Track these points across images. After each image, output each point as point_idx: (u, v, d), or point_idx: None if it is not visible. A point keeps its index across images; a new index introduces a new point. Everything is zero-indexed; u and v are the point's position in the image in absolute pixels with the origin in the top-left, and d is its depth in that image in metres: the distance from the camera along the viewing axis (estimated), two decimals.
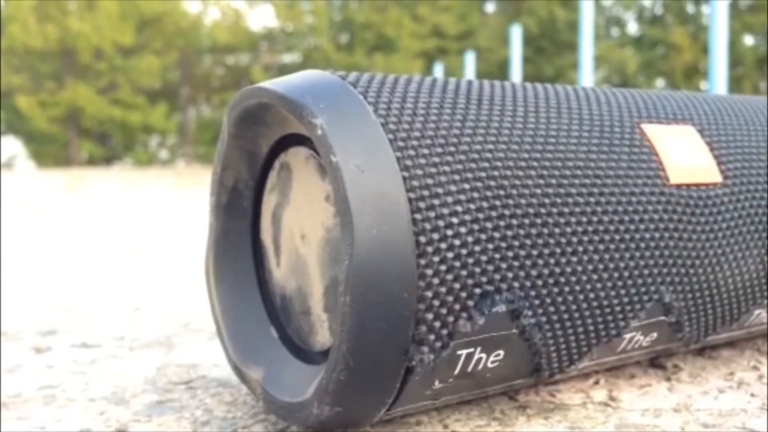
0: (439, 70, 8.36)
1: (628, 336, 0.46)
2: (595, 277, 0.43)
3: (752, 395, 0.50)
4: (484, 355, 0.40)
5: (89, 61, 11.78)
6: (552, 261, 0.41)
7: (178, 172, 7.80)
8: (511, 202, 0.40)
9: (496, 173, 0.40)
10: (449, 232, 0.38)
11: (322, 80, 0.41)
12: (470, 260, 0.38)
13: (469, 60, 6.72)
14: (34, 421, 0.47)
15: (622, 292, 0.44)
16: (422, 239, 0.37)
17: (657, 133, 0.48)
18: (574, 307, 0.42)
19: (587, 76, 3.93)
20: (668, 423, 0.45)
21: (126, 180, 5.72)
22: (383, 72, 0.46)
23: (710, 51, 2.96)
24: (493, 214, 0.39)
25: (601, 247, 0.43)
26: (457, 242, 0.38)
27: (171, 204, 3.06)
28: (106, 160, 12.67)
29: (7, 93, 11.15)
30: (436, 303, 0.37)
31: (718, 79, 2.90)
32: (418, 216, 0.37)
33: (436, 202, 0.38)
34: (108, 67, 11.88)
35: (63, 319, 0.80)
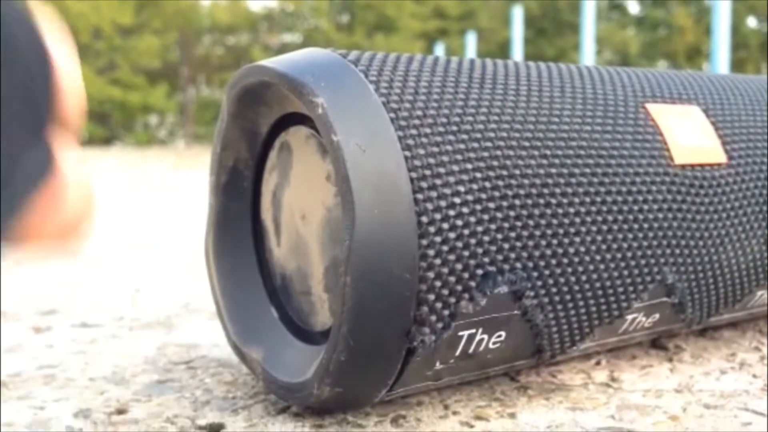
0: (440, 51, 8.32)
1: (630, 317, 0.46)
2: (597, 257, 0.42)
3: (754, 376, 0.50)
4: (485, 336, 0.40)
5: (88, 41, 11.73)
6: (555, 242, 0.41)
7: (178, 153, 7.79)
8: (513, 182, 0.40)
9: (498, 153, 0.40)
10: (451, 212, 0.37)
11: (323, 58, 0.41)
12: (472, 240, 0.38)
13: (470, 41, 6.69)
14: (34, 400, 0.47)
15: (625, 272, 0.44)
16: (424, 219, 0.37)
17: (662, 113, 0.48)
18: (576, 288, 0.42)
19: (589, 57, 3.91)
20: (670, 404, 0.45)
21: (126, 160, 5.71)
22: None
23: (713, 32, 2.94)
24: (496, 194, 0.39)
25: (604, 227, 0.43)
26: (459, 222, 0.37)
27: (171, 184, 3.05)
28: (105, 140, 12.65)
29: None
30: (438, 283, 0.37)
31: (721, 61, 2.88)
32: (419, 196, 0.37)
33: (438, 181, 0.37)
34: (107, 47, 11.84)
35: (63, 299, 0.80)
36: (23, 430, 0.42)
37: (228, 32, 12.73)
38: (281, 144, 0.46)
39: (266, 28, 12.78)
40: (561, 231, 0.41)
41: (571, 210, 0.41)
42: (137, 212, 1.86)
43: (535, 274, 0.40)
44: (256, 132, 0.47)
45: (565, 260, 0.41)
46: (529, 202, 0.40)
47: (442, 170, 0.38)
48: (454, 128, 0.39)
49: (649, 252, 0.45)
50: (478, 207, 0.38)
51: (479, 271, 0.38)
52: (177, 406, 0.46)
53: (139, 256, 1.13)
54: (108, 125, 13.00)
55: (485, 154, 0.39)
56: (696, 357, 0.55)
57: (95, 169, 4.31)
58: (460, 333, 0.39)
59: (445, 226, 0.37)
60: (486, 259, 0.38)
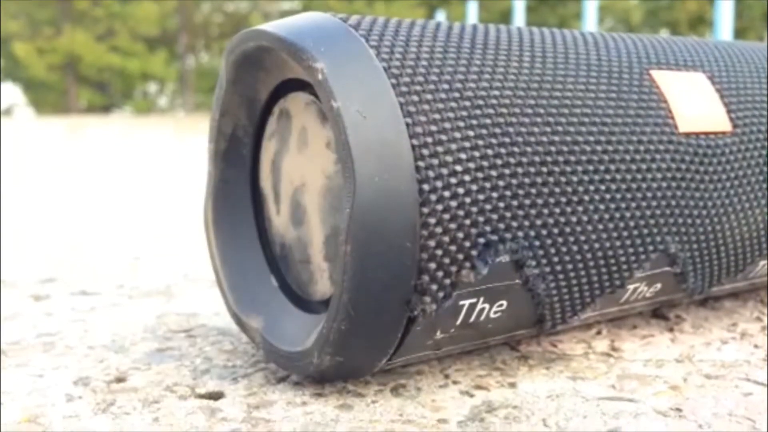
0: (440, 19, 8.23)
1: (631, 287, 0.45)
2: (600, 227, 0.42)
3: (755, 346, 0.50)
4: (486, 306, 0.40)
5: (86, 7, 11.63)
6: (557, 210, 0.40)
7: (178, 121, 7.76)
8: (516, 149, 0.39)
9: (501, 120, 0.39)
10: (453, 180, 0.37)
11: (323, 23, 0.40)
12: (474, 209, 0.37)
13: (472, 8, 6.63)
14: (33, 368, 0.47)
15: (628, 242, 0.43)
16: (425, 187, 0.36)
17: (666, 80, 0.47)
18: (578, 257, 0.42)
19: (591, 25, 3.88)
20: (670, 373, 0.45)
21: (125, 128, 5.69)
22: None
23: (716, 1, 2.91)
24: (498, 162, 0.38)
25: (608, 196, 0.42)
26: (460, 190, 0.37)
27: (170, 152, 3.05)
28: (104, 108, 12.59)
29: (5, 39, 11.03)
30: (439, 252, 0.37)
31: (724, 30, 2.86)
32: (421, 163, 0.36)
33: (439, 149, 0.37)
34: (106, 13, 11.74)
35: (62, 267, 0.80)
36: (22, 398, 0.42)
37: None
38: (281, 110, 0.45)
39: None
40: (563, 200, 0.41)
41: (574, 178, 0.41)
42: (136, 180, 1.85)
43: (537, 243, 0.40)
44: (255, 98, 0.46)
45: (568, 229, 0.41)
46: (532, 170, 0.39)
47: (443, 137, 0.37)
48: (456, 95, 0.38)
49: (652, 221, 0.44)
50: (480, 175, 0.38)
51: (481, 240, 0.38)
52: (176, 375, 0.45)
53: (139, 224, 1.12)
54: (107, 93, 12.94)
55: (487, 121, 0.39)
56: (697, 327, 0.55)
57: (95, 138, 4.29)
58: (461, 302, 0.39)
59: (447, 194, 0.37)
60: (488, 228, 0.38)
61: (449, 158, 0.37)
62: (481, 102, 0.39)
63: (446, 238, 0.37)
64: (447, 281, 0.38)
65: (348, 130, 0.36)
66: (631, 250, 0.44)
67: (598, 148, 0.42)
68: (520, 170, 0.39)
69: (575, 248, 0.41)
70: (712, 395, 0.42)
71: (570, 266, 0.41)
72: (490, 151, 0.38)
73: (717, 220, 0.47)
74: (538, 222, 0.40)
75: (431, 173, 0.36)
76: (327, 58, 0.37)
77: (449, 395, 0.42)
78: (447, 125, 0.37)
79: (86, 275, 0.75)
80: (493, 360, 0.47)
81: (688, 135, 0.46)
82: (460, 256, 0.38)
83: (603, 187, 0.42)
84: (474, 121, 0.38)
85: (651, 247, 0.45)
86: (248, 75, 0.45)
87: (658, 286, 0.47)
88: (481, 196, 0.38)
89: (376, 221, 0.35)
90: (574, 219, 0.41)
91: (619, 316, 0.52)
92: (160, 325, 0.56)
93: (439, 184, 0.36)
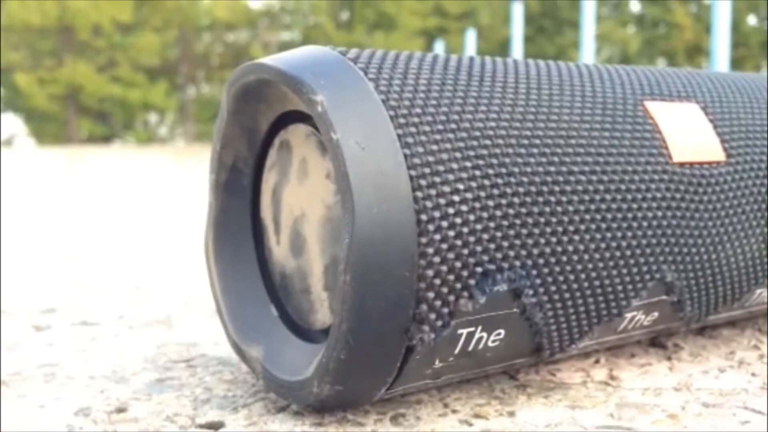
0: (439, 49, 8.30)
1: (629, 315, 0.46)
2: (597, 256, 0.42)
3: (753, 375, 0.50)
4: (484, 334, 0.40)
5: (88, 38, 11.72)
6: (554, 240, 0.41)
7: (178, 151, 7.79)
8: (512, 180, 0.40)
9: (497, 151, 0.40)
10: (450, 210, 0.37)
11: (323, 56, 0.41)
12: (471, 238, 0.38)
13: (470, 38, 6.68)
14: (34, 398, 0.47)
15: (624, 271, 0.44)
16: (423, 217, 0.37)
17: (660, 111, 0.48)
18: (575, 286, 0.42)
19: (588, 55, 3.91)
20: (669, 402, 0.45)
21: (126, 158, 5.71)
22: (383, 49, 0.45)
23: (713, 30, 2.94)
24: (495, 192, 0.39)
25: (603, 225, 0.43)
26: (458, 220, 0.38)
27: (171, 182, 3.05)
28: (105, 138, 12.63)
29: (6, 70, 11.09)
30: (437, 282, 0.37)
31: (721, 60, 2.88)
32: (419, 194, 0.37)
33: (437, 179, 0.37)
34: (107, 44, 11.82)
35: (63, 297, 0.80)
36: (23, 429, 0.42)
37: (227, 29, 12.73)
38: (281, 142, 0.46)
39: (266, 25, 12.79)
40: (560, 229, 0.41)
41: (570, 208, 0.41)
42: (137, 210, 1.86)
43: (534, 272, 0.40)
44: (256, 130, 0.47)
45: (564, 258, 0.41)
46: (528, 200, 0.40)
47: (441, 168, 0.38)
48: (453, 126, 0.39)
49: (648, 250, 0.45)
50: (477, 205, 0.38)
51: (478, 270, 0.38)
52: (177, 405, 0.46)
53: (139, 253, 1.13)
54: (108, 123, 12.99)
55: (484, 152, 0.39)
56: (695, 355, 0.55)
57: (95, 167, 4.30)
58: (460, 331, 0.39)
59: (445, 224, 0.37)
60: (485, 258, 0.38)
61: (447, 188, 0.38)
62: (477, 133, 0.40)
63: (444, 268, 0.37)
64: (445, 310, 0.38)
65: (347, 162, 0.36)
66: (627, 279, 0.44)
67: (593, 178, 0.43)
68: (516, 200, 0.40)
69: (572, 277, 0.42)
70: (710, 423, 0.42)
71: (567, 295, 0.42)
72: (486, 182, 0.39)
73: (713, 248, 0.48)
74: (535, 251, 0.40)
75: (429, 203, 0.37)
76: (326, 90, 0.38)
77: (448, 424, 0.42)
78: (444, 156, 0.38)
79: (87, 305, 0.75)
80: (492, 389, 0.48)
81: (682, 165, 0.47)
82: (458, 286, 0.38)
83: (599, 217, 0.42)
84: (471, 152, 0.39)
85: (647, 276, 0.45)
86: (249, 107, 0.45)
87: (656, 314, 0.47)
88: (478, 226, 0.38)
89: (374, 251, 0.36)
90: (570, 248, 0.41)
91: (617, 345, 0.52)
92: (161, 355, 0.56)
93: (436, 214, 0.37)
